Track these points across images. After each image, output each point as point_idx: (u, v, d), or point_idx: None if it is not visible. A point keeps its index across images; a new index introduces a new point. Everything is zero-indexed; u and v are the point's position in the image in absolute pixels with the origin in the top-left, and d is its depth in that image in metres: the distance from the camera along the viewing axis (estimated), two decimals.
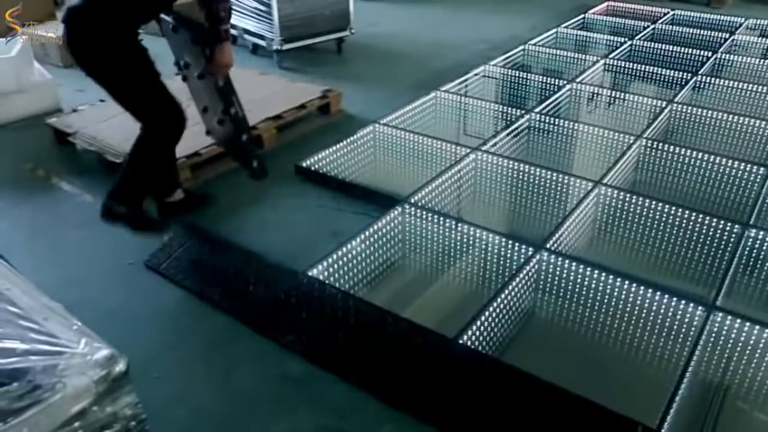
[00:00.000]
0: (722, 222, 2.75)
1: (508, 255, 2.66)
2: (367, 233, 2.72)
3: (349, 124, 4.03)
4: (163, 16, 2.81)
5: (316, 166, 3.44)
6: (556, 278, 2.55)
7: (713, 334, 2.22)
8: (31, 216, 3.17)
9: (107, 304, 2.50)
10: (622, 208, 2.99)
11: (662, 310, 2.33)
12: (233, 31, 5.42)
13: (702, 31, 5.59)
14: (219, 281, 2.62)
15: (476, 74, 4.59)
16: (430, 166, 3.49)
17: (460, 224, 2.80)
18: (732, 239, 2.71)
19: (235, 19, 5.34)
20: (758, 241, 2.67)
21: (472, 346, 2.16)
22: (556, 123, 3.78)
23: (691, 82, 4.34)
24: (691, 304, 2.28)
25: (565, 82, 4.32)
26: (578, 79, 4.36)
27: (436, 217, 2.84)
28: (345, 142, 3.56)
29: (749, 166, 3.22)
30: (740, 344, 2.20)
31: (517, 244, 2.63)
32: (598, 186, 3.04)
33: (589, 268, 2.48)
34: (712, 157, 3.30)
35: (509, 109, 3.97)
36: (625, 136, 3.54)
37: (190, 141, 3.08)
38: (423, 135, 3.56)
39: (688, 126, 3.90)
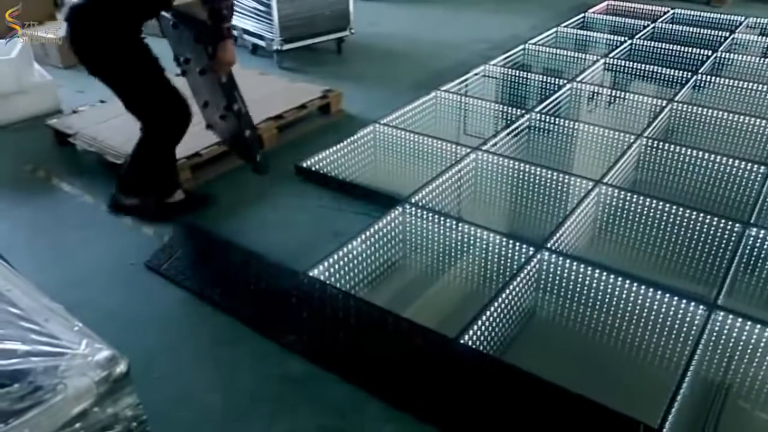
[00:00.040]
0: (723, 221, 2.75)
1: (509, 255, 2.66)
2: (367, 233, 2.71)
3: (350, 124, 4.03)
4: (163, 13, 2.82)
5: (317, 166, 3.43)
6: (557, 278, 2.55)
7: (714, 334, 2.22)
8: (32, 217, 3.17)
9: (108, 305, 2.50)
10: (622, 207, 2.99)
11: (663, 310, 2.33)
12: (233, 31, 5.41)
13: (702, 29, 5.58)
14: (219, 281, 2.62)
15: (476, 74, 4.59)
16: (430, 166, 3.49)
17: (460, 224, 2.80)
18: (733, 238, 2.71)
19: (234, 20, 5.31)
20: (759, 240, 2.67)
21: (473, 346, 2.16)
22: (557, 122, 3.77)
23: (691, 81, 4.34)
24: (693, 304, 2.28)
25: (565, 81, 4.32)
26: (578, 79, 4.36)
27: (436, 216, 2.84)
28: (345, 142, 3.56)
29: (750, 164, 3.22)
30: (741, 343, 2.20)
31: (517, 243, 2.63)
32: (599, 185, 3.04)
33: (589, 268, 2.48)
34: (713, 156, 3.30)
35: (509, 108, 3.97)
36: (626, 135, 3.54)
37: (190, 141, 3.08)
38: (423, 135, 3.56)
39: (689, 125, 3.89)
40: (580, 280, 2.50)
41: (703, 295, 2.43)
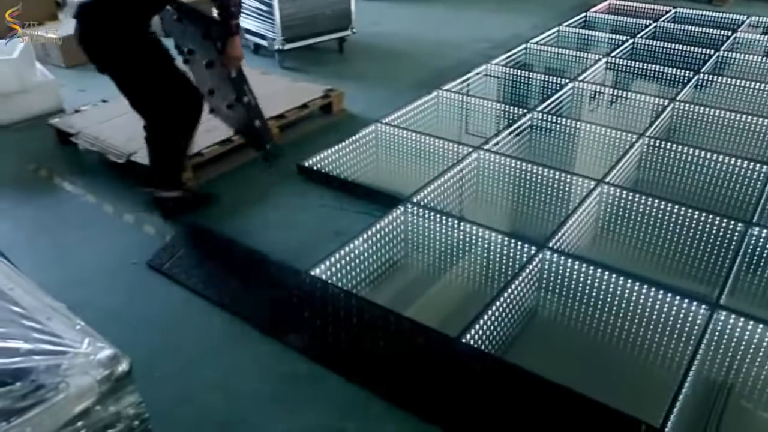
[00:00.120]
0: (725, 220, 2.75)
1: (511, 254, 2.65)
2: (369, 233, 2.71)
3: (351, 123, 4.03)
4: (167, 7, 2.85)
5: (319, 165, 3.44)
6: (559, 277, 2.55)
7: (717, 333, 2.22)
8: (34, 216, 3.17)
9: (110, 304, 2.51)
10: (624, 206, 2.98)
11: (665, 309, 2.32)
12: None
13: (704, 28, 5.57)
14: (221, 281, 2.62)
15: (478, 73, 4.59)
16: (432, 166, 3.49)
17: (462, 223, 2.80)
18: (735, 238, 2.70)
19: None
20: (762, 240, 2.67)
21: (475, 345, 2.16)
22: (558, 122, 3.77)
23: (693, 80, 4.33)
24: (695, 303, 2.27)
25: (567, 80, 4.32)
26: (580, 78, 4.36)
27: (438, 216, 2.84)
28: (347, 141, 3.56)
29: (752, 164, 3.21)
30: (744, 343, 2.19)
31: (519, 243, 2.63)
32: (601, 184, 3.03)
33: (591, 267, 2.47)
34: (715, 155, 3.29)
35: (511, 107, 3.96)
36: (628, 134, 3.53)
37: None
38: (425, 134, 3.56)
39: (691, 124, 3.89)
40: (581, 279, 2.50)
41: (706, 294, 2.43)
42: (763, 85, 4.24)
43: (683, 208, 2.84)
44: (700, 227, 2.80)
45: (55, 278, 2.56)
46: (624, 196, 2.98)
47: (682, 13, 6.15)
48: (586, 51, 5.05)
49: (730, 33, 5.37)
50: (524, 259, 2.57)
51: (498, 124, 3.95)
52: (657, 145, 3.46)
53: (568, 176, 3.12)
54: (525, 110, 3.88)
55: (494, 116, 4.02)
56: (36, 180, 3.51)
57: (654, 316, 2.35)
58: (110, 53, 2.66)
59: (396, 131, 3.65)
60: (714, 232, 2.77)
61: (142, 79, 2.73)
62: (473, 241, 2.77)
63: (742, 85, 4.27)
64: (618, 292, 2.43)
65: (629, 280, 2.40)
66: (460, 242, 2.81)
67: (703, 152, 3.33)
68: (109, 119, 3.70)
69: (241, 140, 3.44)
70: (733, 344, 2.21)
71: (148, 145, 2.94)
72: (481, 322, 2.20)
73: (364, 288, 2.64)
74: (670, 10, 6.16)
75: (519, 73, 4.53)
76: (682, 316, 2.29)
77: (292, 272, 2.55)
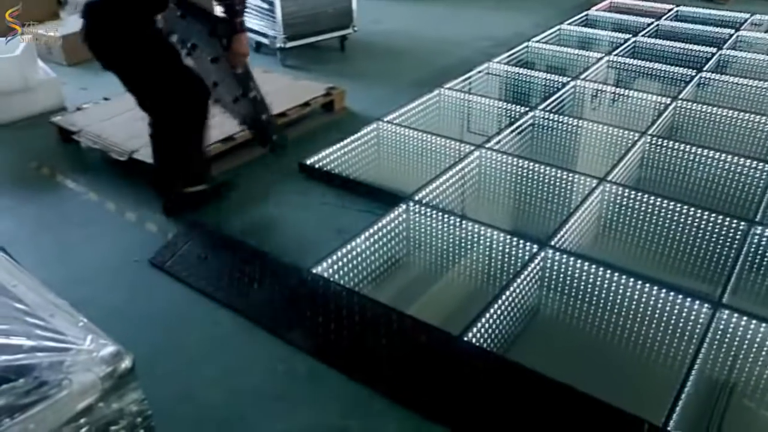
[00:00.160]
0: (728, 219, 2.74)
1: (513, 252, 2.65)
2: (371, 231, 2.71)
3: (353, 121, 4.03)
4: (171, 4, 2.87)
5: (320, 163, 3.43)
6: (561, 275, 2.55)
7: (719, 332, 2.22)
8: (37, 214, 3.17)
9: (113, 301, 2.51)
10: (626, 205, 2.98)
11: (668, 308, 2.32)
12: None
13: (706, 27, 5.56)
14: (223, 278, 2.62)
15: (480, 71, 4.58)
16: (434, 164, 3.49)
17: (464, 221, 2.79)
18: (738, 236, 2.70)
19: None
20: (764, 239, 2.66)
21: (477, 344, 2.16)
22: (560, 120, 3.76)
23: (695, 79, 4.33)
24: (697, 302, 2.27)
25: (568, 79, 4.31)
26: (582, 76, 4.35)
27: (440, 214, 2.84)
28: (349, 139, 3.56)
29: (755, 162, 3.21)
30: (746, 342, 2.19)
31: (521, 241, 2.63)
32: (603, 183, 3.03)
33: (593, 266, 2.47)
34: (718, 153, 3.29)
35: (513, 106, 3.96)
36: (630, 133, 3.53)
37: None
38: (427, 132, 3.56)
39: (693, 123, 3.88)
40: (584, 277, 2.49)
41: (708, 293, 2.42)
42: (765, 83, 4.23)
43: (686, 207, 2.83)
44: (702, 226, 2.79)
45: (58, 275, 2.56)
46: (626, 194, 2.98)
47: (684, 11, 6.14)
48: (587, 49, 5.04)
49: (732, 31, 5.36)
50: (526, 257, 2.57)
51: (500, 122, 3.94)
52: (659, 143, 3.45)
53: (570, 174, 3.12)
54: (527, 109, 3.87)
55: (496, 114, 4.02)
56: (38, 178, 3.51)
57: (656, 315, 2.34)
58: (116, 50, 2.68)
59: (398, 129, 3.65)
60: (717, 230, 2.76)
61: (149, 75, 2.74)
62: (475, 240, 2.77)
63: (745, 83, 4.26)
64: (620, 291, 2.43)
65: (631, 279, 2.39)
66: (462, 240, 2.80)
67: (705, 151, 3.32)
68: (111, 117, 3.70)
69: (243, 138, 3.44)
70: (735, 343, 2.21)
71: (153, 142, 2.94)
72: (483, 320, 2.20)
73: (366, 286, 2.64)
74: (672, 9, 6.15)
75: (521, 72, 4.53)
76: (684, 314, 2.29)
77: (294, 270, 2.56)
